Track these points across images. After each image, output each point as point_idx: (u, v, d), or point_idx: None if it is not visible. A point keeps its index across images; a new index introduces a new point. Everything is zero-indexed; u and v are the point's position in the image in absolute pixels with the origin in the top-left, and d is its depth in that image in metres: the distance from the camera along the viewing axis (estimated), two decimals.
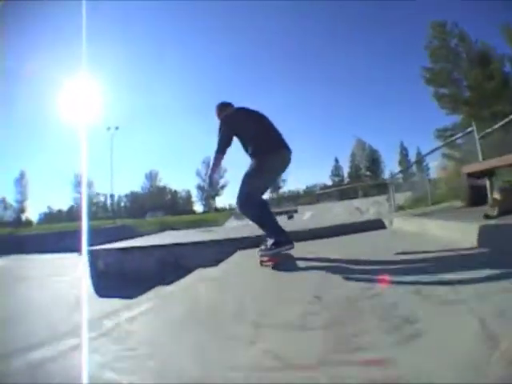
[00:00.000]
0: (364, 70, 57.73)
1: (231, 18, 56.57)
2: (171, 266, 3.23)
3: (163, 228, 19.64)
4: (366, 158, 42.45)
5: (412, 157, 42.10)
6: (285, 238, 2.23)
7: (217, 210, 38.32)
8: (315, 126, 67.71)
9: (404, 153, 43.63)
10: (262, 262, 2.25)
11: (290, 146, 2.42)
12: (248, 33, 59.68)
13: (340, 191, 30.61)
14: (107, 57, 35.31)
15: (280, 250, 2.21)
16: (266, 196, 2.78)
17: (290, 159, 2.42)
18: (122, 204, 50.00)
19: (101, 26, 36.26)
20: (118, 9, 44.12)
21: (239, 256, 2.93)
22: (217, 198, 48.45)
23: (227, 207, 39.26)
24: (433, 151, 6.81)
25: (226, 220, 21.58)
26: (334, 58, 59.77)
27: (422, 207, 6.37)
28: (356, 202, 11.98)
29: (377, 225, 3.73)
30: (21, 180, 42.97)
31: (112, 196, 39.30)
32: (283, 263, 2.15)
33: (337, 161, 47.18)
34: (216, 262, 2.72)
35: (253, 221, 2.33)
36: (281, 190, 46.28)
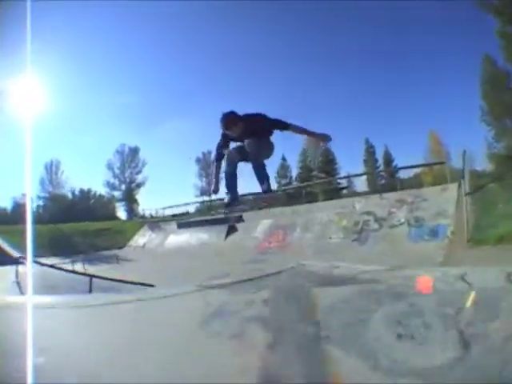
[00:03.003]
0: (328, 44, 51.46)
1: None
2: None
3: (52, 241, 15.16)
4: (319, 157, 39.63)
5: (379, 156, 37.59)
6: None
7: (143, 217, 27.61)
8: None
9: (371, 150, 38.10)
10: None
11: None
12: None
13: (287, 194, 27.89)
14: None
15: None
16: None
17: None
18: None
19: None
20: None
21: None
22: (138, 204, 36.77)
23: (151, 214, 27.32)
24: None
25: (135, 232, 17.38)
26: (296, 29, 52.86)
27: None
28: (358, 203, 7.84)
29: None
30: None
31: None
32: None
33: (284, 159, 38.30)
34: None
35: None
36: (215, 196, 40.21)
